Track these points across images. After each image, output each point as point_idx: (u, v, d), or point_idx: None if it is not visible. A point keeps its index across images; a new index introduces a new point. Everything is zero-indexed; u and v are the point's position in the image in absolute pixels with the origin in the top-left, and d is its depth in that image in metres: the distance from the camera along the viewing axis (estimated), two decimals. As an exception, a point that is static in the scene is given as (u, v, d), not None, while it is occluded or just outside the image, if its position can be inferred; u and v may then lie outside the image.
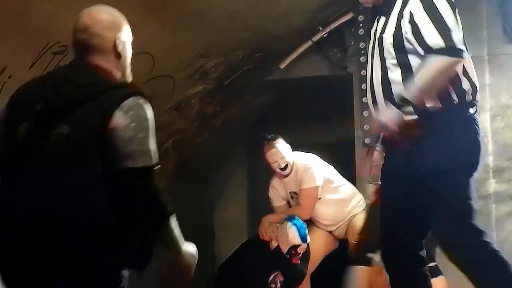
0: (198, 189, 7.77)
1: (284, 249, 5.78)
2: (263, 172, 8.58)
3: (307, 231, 5.71)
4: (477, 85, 3.85)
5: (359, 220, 5.96)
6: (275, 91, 7.49)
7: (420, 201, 3.71)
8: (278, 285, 5.80)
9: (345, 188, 6.09)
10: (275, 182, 6.20)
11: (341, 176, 6.15)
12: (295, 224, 5.71)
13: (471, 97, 3.79)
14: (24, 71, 4.32)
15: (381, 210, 3.92)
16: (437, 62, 3.65)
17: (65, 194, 2.72)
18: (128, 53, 3.12)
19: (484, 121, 6.48)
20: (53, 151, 2.79)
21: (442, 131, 3.68)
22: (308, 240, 5.70)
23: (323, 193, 5.92)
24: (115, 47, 3.03)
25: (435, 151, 3.66)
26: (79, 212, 2.70)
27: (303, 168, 5.78)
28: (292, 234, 5.71)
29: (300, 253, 5.70)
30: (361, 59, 6.72)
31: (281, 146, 6.02)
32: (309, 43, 6.88)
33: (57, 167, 2.76)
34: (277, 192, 6.18)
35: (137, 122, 2.85)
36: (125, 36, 3.09)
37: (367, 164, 5.46)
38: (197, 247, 6.79)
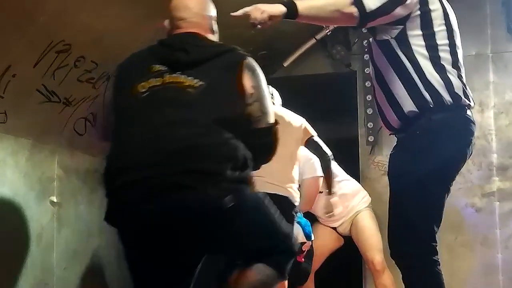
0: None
1: None
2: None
3: (311, 229, 5.70)
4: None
5: (363, 217, 5.96)
6: (279, 89, 7.49)
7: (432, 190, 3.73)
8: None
9: (348, 183, 6.08)
10: None
11: (345, 172, 6.13)
12: (299, 222, 5.68)
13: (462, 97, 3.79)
14: (28, 70, 4.33)
15: (393, 205, 3.91)
16: None
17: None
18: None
19: (488, 118, 6.50)
20: (184, 103, 3.13)
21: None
22: (313, 237, 5.68)
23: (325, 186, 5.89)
24: (211, 25, 3.55)
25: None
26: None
27: (305, 159, 5.74)
28: (296, 232, 5.69)
29: (305, 251, 5.68)
30: (365, 56, 6.73)
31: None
32: (313, 41, 6.90)
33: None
34: None
35: (261, 84, 3.34)
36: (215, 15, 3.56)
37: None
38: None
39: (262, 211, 3.30)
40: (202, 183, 3.02)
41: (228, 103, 3.19)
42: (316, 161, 5.79)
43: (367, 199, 6.09)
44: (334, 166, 5.97)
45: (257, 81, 3.33)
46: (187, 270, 3.40)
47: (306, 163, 5.77)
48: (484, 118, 6.51)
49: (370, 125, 6.70)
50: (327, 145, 5.91)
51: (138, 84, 3.23)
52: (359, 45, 6.88)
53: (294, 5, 3.54)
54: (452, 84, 3.74)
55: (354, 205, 6.02)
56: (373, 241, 5.92)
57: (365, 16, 3.60)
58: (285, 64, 6.96)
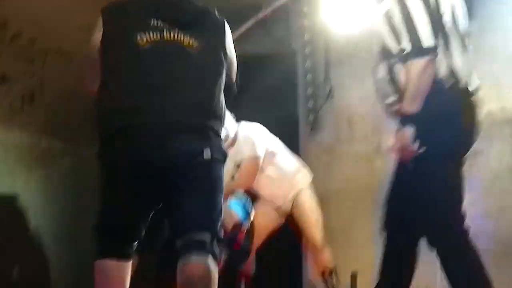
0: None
1: (228, 229, 5.72)
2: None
3: (250, 208, 5.69)
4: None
5: (304, 195, 5.98)
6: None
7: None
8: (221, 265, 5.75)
9: (290, 161, 6.08)
10: None
11: (287, 150, 6.13)
12: (237, 202, 5.67)
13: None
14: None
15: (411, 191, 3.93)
16: (412, 66, 3.78)
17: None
18: None
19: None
20: (187, 63, 3.46)
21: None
22: (252, 217, 5.68)
23: (266, 164, 5.89)
24: None
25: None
26: None
27: (245, 137, 5.74)
28: (235, 213, 5.67)
29: (244, 232, 5.67)
30: (304, 37, 6.74)
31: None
32: (254, 20, 6.87)
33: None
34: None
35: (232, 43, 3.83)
36: None
37: None
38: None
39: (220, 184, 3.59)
40: (203, 137, 3.48)
41: (222, 65, 3.67)
42: (256, 140, 5.79)
43: (308, 177, 6.11)
44: (276, 143, 5.98)
45: (232, 43, 3.90)
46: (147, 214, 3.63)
47: (246, 143, 5.77)
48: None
49: (310, 104, 6.72)
50: (267, 126, 5.93)
51: (137, 36, 3.44)
52: (300, 26, 6.89)
53: None
54: None
55: (295, 184, 6.03)
56: (313, 219, 5.95)
57: None
58: (226, 44, 6.93)
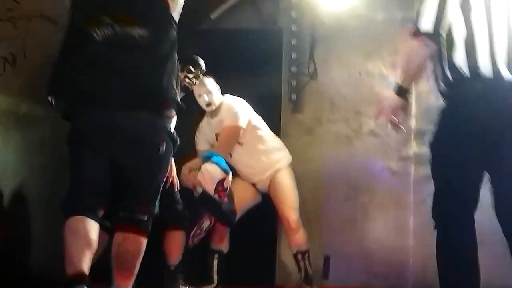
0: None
1: (211, 188, 5.65)
2: (189, 122, 8.59)
3: (226, 164, 5.63)
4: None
5: (282, 175, 5.98)
6: (205, 41, 7.44)
7: None
8: (204, 229, 5.72)
9: (271, 139, 6.07)
10: (203, 124, 6.08)
11: (268, 128, 6.12)
12: (213, 161, 5.63)
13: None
14: None
15: None
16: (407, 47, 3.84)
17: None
18: None
19: (409, 83, 6.57)
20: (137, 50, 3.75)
21: None
22: (230, 172, 5.60)
23: (246, 138, 5.86)
24: None
25: None
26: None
27: (228, 107, 5.74)
28: (213, 171, 5.60)
29: (227, 188, 5.61)
30: (292, 14, 6.71)
31: (210, 82, 5.95)
32: (242, -6, 6.85)
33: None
34: (204, 134, 6.06)
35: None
36: None
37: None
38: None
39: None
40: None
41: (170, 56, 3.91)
42: (239, 111, 5.78)
43: (288, 158, 6.11)
44: (258, 120, 5.97)
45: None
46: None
47: (228, 112, 5.75)
48: (406, 83, 6.58)
49: (293, 83, 6.71)
50: (250, 102, 5.92)
51: (91, 27, 3.75)
52: (287, 2, 6.85)
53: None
54: None
55: (274, 162, 6.02)
56: (290, 199, 5.95)
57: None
58: (213, 17, 6.89)
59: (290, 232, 5.95)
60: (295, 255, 5.97)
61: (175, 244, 5.59)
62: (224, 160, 5.64)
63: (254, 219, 6.31)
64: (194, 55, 5.86)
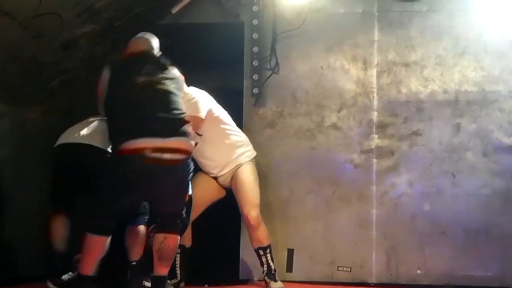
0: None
1: None
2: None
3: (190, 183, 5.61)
4: None
5: (244, 170, 5.97)
6: (167, 36, 7.39)
7: None
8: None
9: (234, 134, 6.05)
10: None
11: (233, 122, 6.09)
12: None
13: None
14: None
15: None
16: None
17: None
18: None
19: (371, 76, 6.62)
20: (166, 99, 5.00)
21: None
22: (191, 191, 5.61)
23: (207, 130, 5.81)
24: None
25: None
26: None
27: (188, 97, 5.67)
28: None
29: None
30: (253, 8, 6.70)
31: (175, 73, 5.86)
32: (203, -12, 6.83)
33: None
34: None
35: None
36: None
37: None
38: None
39: None
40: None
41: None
42: (200, 101, 5.74)
43: (251, 153, 6.09)
44: (222, 112, 5.94)
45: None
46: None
47: (189, 102, 5.68)
48: (367, 76, 6.62)
49: (255, 77, 6.70)
50: (212, 96, 5.90)
51: (132, 82, 4.92)
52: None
53: None
54: None
55: (237, 156, 6.01)
56: (250, 196, 5.92)
57: None
58: (173, 11, 6.85)
59: (250, 228, 5.93)
60: (256, 251, 5.97)
61: (137, 240, 5.58)
62: None
63: (218, 214, 6.30)
64: None
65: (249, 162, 6.04)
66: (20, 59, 5.63)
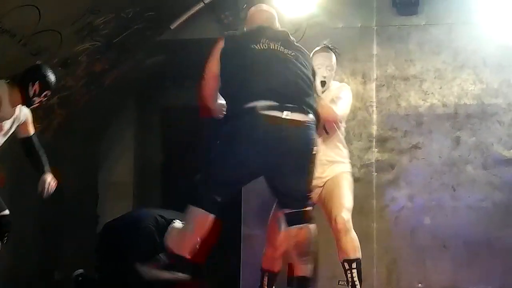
0: (85, 148, 7.65)
1: None
2: (151, 133, 8.56)
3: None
4: None
5: (345, 177, 5.47)
6: (166, 52, 7.42)
7: None
8: None
9: (343, 144, 5.56)
10: None
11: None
12: None
13: None
14: None
15: None
16: None
17: None
18: None
19: (370, 90, 6.62)
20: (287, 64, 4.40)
21: None
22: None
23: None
24: None
25: None
26: None
27: (336, 93, 5.43)
28: None
29: None
30: (252, 23, 6.71)
31: (334, 58, 5.63)
32: (201, 4, 6.83)
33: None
34: None
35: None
36: None
37: None
38: (80, 206, 6.76)
39: None
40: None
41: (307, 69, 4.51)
42: (348, 101, 5.55)
43: (349, 166, 5.59)
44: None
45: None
46: None
47: (336, 96, 5.42)
48: (366, 90, 6.63)
49: (255, 91, 6.70)
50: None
51: (252, 46, 4.41)
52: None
53: None
54: None
55: (337, 164, 5.48)
56: (344, 198, 5.30)
57: None
58: (172, 27, 6.87)
59: (336, 234, 5.18)
60: (342, 264, 5.20)
61: None
62: None
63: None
64: (39, 67, 5.20)
65: (348, 172, 5.54)
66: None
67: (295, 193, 4.31)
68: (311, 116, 4.29)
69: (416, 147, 6.52)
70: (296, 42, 4.66)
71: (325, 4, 6.63)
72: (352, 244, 5.14)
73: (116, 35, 6.40)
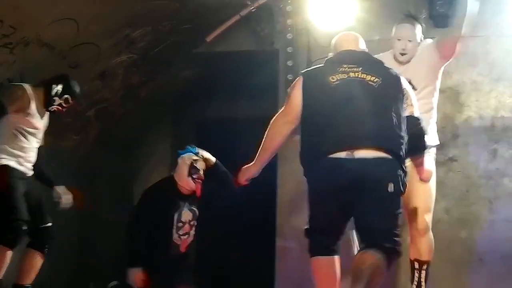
0: (121, 160, 7.70)
1: (184, 173, 5.68)
2: (187, 144, 8.60)
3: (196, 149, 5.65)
4: None
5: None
6: (202, 64, 7.46)
7: None
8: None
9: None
10: None
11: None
12: (184, 152, 5.68)
13: None
14: None
15: None
16: None
17: None
18: None
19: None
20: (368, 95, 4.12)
21: None
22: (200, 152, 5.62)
23: None
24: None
25: None
26: None
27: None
28: (185, 158, 5.65)
29: (199, 169, 5.62)
30: (288, 35, 6.73)
31: (418, 30, 5.36)
32: (238, 17, 6.86)
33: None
34: None
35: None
36: None
37: None
38: (114, 218, 6.77)
39: None
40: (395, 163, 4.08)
41: (399, 95, 4.22)
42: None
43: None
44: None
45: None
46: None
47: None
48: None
49: (290, 104, 6.70)
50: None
51: (329, 77, 4.19)
52: (283, 24, 6.87)
53: None
54: None
55: None
56: (427, 197, 5.18)
57: None
58: (208, 40, 6.91)
59: (414, 234, 5.13)
60: (412, 262, 5.18)
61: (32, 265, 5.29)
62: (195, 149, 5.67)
63: (250, 241, 6.25)
64: (65, 75, 5.33)
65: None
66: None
67: (381, 232, 4.12)
68: (389, 151, 4.07)
69: (452, 159, 6.48)
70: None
71: (362, 16, 6.62)
72: (428, 246, 5.17)
73: (153, 47, 6.46)
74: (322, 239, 4.22)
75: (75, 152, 6.45)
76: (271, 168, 6.61)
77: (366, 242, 4.09)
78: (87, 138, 6.55)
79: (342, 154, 4.02)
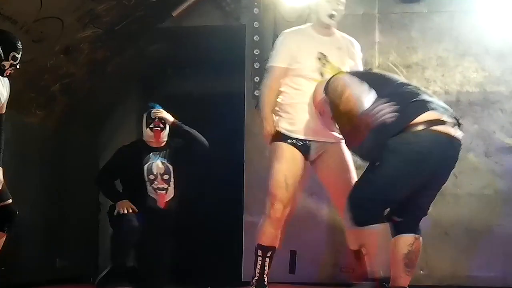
0: (87, 135, 7.65)
1: (146, 128, 5.96)
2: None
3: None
4: None
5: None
6: (168, 39, 7.42)
7: None
8: None
9: None
10: (300, 37, 5.08)
11: None
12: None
13: None
14: None
15: None
16: None
17: None
18: None
19: (372, 78, 6.61)
20: None
21: None
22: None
23: None
24: None
25: None
26: None
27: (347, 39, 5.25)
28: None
29: (154, 117, 5.94)
30: (254, 10, 6.71)
31: None
32: (204, -8, 6.84)
33: None
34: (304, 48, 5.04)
35: None
36: None
37: None
38: (82, 193, 6.73)
39: None
40: None
41: None
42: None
43: None
44: None
45: None
46: None
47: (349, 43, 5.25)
48: (368, 77, 6.62)
49: (256, 79, 6.69)
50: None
51: None
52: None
53: None
54: None
55: None
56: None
57: None
58: (174, 14, 6.86)
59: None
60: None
61: None
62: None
63: (218, 213, 6.27)
64: (13, 36, 4.70)
65: None
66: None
67: (423, 204, 4.42)
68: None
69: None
70: None
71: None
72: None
73: (118, 22, 6.39)
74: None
75: (40, 127, 6.39)
76: (238, 143, 6.68)
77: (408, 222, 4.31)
78: (52, 113, 6.49)
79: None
